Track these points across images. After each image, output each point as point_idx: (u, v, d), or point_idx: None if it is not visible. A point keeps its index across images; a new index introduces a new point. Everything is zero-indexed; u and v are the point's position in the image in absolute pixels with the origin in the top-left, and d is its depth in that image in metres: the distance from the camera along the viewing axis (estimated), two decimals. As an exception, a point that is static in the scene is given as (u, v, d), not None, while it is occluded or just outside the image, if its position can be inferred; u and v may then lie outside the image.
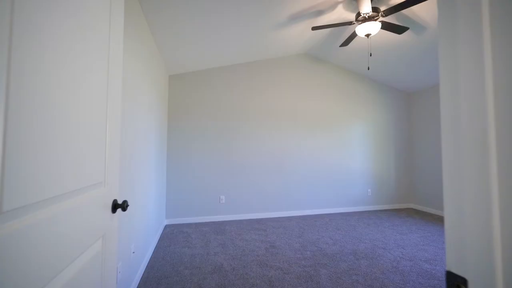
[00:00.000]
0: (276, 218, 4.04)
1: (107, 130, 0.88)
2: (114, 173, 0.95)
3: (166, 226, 3.58)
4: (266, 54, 3.97)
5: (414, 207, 4.72)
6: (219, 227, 3.55)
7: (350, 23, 2.73)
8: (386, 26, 2.75)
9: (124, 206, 0.93)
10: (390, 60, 3.87)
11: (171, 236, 3.20)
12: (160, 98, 3.15)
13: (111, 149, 0.91)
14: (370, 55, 2.75)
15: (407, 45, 3.37)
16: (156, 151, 2.92)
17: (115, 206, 0.93)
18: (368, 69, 2.90)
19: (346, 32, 3.35)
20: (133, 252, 1.97)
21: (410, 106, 4.89)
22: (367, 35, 2.70)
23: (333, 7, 2.81)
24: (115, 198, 0.95)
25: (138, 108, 2.15)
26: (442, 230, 3.38)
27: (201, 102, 3.92)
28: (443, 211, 4.16)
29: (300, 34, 3.44)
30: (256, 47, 3.59)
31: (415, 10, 2.75)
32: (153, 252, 2.68)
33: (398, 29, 2.79)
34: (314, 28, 2.83)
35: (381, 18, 2.90)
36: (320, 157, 4.35)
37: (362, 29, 2.67)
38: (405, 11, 2.81)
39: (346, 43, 3.13)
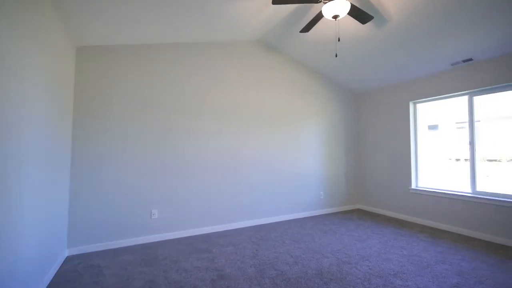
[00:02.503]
0: (225, 232, 3.38)
1: None
2: None
3: (68, 260, 2.51)
4: (214, 34, 3.27)
5: (361, 208, 4.72)
6: (148, 253, 2.68)
7: (317, 1, 2.30)
8: (353, 10, 2.43)
9: None
10: (345, 57, 3.67)
11: (73, 275, 2.20)
12: (52, 78, 2.11)
13: None
14: (339, 40, 2.38)
15: (363, 40, 3.18)
16: (43, 154, 1.91)
17: None
18: (336, 56, 2.54)
19: (308, 15, 2.94)
20: None
21: (359, 107, 4.91)
22: (335, 17, 2.31)
23: (297, -22, 2.33)
24: None
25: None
26: (395, 233, 3.31)
27: (126, 88, 2.95)
28: (389, 211, 4.22)
29: (254, 14, 2.88)
30: (201, 23, 2.86)
31: (382, -3, 2.51)
32: (31, 313, 1.68)
33: (363, 17, 2.50)
34: (274, 2, 2.30)
35: None
36: (273, 159, 3.89)
37: (329, 9, 2.26)
38: (371, -2, 2.54)
39: (307, 27, 2.71)
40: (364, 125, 4.78)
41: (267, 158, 3.83)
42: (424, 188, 3.81)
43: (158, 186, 3.07)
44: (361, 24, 2.92)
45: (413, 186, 3.92)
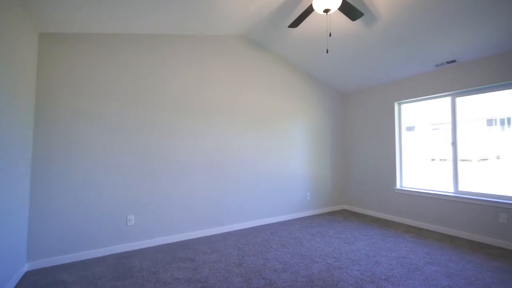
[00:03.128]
0: (208, 237, 3.18)
1: None
2: None
3: (27, 276, 2.20)
4: (198, 26, 3.07)
5: (347, 208, 4.71)
6: (123, 264, 2.42)
7: (307, -7, 2.19)
8: (344, 5, 2.34)
9: None
10: (333, 55, 3.61)
11: (31, 295, 1.91)
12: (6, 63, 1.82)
13: None
14: (330, 35, 2.27)
15: (352, 38, 3.12)
16: (-8, 153, 1.62)
17: None
18: (327, 52, 2.44)
19: (297, 10, 2.83)
20: None
21: (345, 107, 4.90)
22: (326, 11, 2.21)
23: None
24: None
25: None
26: (382, 234, 3.28)
27: (98, 80, 2.67)
28: (375, 211, 4.22)
29: (241, 6, 2.71)
30: (182, 11, 2.65)
31: (372, -7, 2.44)
32: None
33: (354, 13, 2.41)
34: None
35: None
36: (259, 160, 3.74)
37: (320, 2, 2.15)
38: (362, -7, 2.47)
39: (296, 22, 2.59)
40: (350, 125, 4.77)
41: (254, 158, 3.68)
42: (409, 188, 3.84)
43: (135, 189, 2.81)
44: (350, 22, 2.86)
45: (398, 186, 3.94)
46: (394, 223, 3.80)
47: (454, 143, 3.39)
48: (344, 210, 4.65)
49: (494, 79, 2.98)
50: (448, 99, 3.49)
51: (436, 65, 3.38)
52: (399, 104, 4.06)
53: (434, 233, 3.32)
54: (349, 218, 4.09)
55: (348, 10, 2.38)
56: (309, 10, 2.40)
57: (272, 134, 3.90)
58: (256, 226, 3.61)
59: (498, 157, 3.02)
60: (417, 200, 3.65)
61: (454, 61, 3.21)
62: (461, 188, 3.30)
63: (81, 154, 2.55)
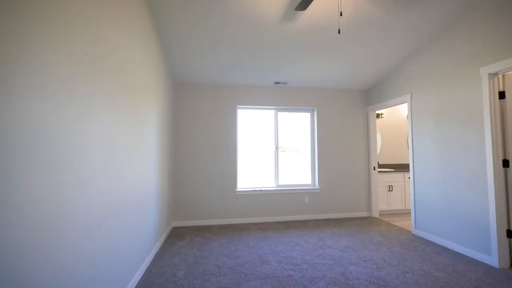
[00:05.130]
0: None
1: None
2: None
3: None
4: None
5: (176, 225, 3.86)
6: None
7: None
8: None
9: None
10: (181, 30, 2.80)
11: None
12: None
13: None
14: (341, 15, 1.80)
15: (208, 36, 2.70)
16: None
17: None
18: (339, 32, 1.85)
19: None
20: None
21: (181, 100, 3.93)
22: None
23: None
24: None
25: None
26: (229, 237, 3.21)
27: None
28: (214, 219, 3.94)
29: None
30: None
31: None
32: None
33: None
34: None
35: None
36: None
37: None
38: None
39: (305, 3, 1.73)
40: (186, 124, 3.95)
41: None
42: (246, 188, 4.12)
43: None
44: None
45: (238, 188, 4.07)
46: (236, 225, 3.88)
47: (277, 148, 4.28)
48: (173, 227, 3.75)
49: (301, 104, 4.25)
50: (273, 111, 4.31)
51: (275, 82, 4.02)
52: (238, 109, 4.20)
53: (271, 224, 3.94)
54: (183, 238, 3.41)
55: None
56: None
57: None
58: (113, 324, 1.70)
59: (303, 149, 4.37)
60: (253, 198, 4.06)
61: (286, 82, 4.05)
62: (280, 182, 4.28)
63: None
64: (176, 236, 3.36)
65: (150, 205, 2.58)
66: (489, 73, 2.46)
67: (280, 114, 4.36)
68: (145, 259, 2.39)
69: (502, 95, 2.46)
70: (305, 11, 2.49)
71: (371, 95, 4.34)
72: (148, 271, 2.34)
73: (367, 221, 4.02)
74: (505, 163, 2.43)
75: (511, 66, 2.28)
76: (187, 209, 3.90)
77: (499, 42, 2.37)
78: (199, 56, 3.22)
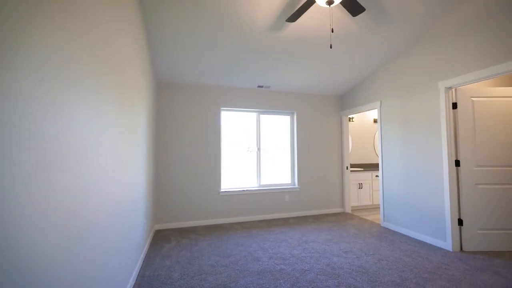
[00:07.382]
0: None
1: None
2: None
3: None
4: None
5: (159, 228, 3.79)
6: None
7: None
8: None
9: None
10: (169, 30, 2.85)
11: None
12: None
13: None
14: (332, 31, 1.96)
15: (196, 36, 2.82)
16: None
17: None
18: (331, 47, 2.02)
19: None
20: None
21: (165, 101, 3.85)
22: (329, 2, 1.94)
23: None
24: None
25: None
26: (217, 237, 3.32)
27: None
28: (197, 220, 3.95)
29: None
30: None
31: None
32: None
33: (356, 8, 2.22)
34: None
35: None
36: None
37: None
38: None
39: (295, 16, 1.88)
40: (170, 125, 3.88)
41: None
42: (230, 189, 4.20)
43: None
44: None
45: (222, 189, 4.13)
46: (221, 225, 3.94)
47: (259, 149, 4.43)
48: (157, 231, 3.69)
49: (282, 107, 4.47)
50: (255, 114, 4.45)
51: (258, 86, 4.17)
52: (222, 110, 4.25)
53: (255, 222, 4.07)
54: (170, 241, 3.41)
55: (351, 3, 2.13)
56: (310, 2, 1.88)
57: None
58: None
59: (283, 150, 4.57)
60: (237, 198, 4.16)
61: (269, 86, 4.22)
62: (262, 182, 4.44)
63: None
64: (162, 239, 3.32)
65: (139, 208, 2.54)
66: (445, 87, 2.91)
67: (262, 116, 4.52)
68: (136, 263, 2.36)
69: (455, 105, 2.93)
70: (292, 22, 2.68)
71: (345, 101, 4.73)
72: (141, 275, 2.32)
73: (342, 216, 4.39)
74: (457, 163, 2.89)
75: (462, 82, 2.73)
76: (170, 211, 3.85)
77: (454, 61, 2.82)
78: (185, 57, 3.22)
